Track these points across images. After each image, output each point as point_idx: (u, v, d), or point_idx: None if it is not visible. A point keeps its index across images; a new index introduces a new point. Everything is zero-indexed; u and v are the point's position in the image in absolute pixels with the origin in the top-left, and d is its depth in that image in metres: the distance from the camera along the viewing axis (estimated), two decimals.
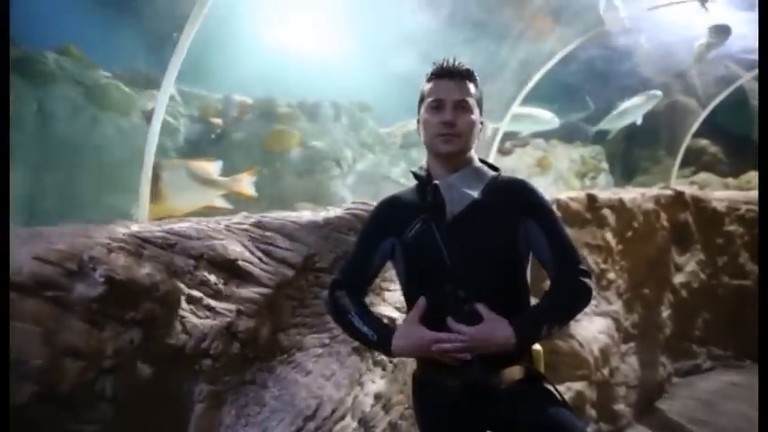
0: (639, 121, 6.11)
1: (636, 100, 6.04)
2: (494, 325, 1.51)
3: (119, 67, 4.45)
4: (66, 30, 4.20)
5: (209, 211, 2.67)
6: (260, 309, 2.10)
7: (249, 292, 2.08)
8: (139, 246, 1.70)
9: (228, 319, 1.96)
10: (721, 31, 4.93)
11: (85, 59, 4.17)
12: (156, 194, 2.35)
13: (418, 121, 1.76)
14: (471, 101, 1.66)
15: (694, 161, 7.70)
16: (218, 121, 5.22)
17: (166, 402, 1.75)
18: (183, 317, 1.80)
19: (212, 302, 1.92)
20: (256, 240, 2.19)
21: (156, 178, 2.37)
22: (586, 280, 1.67)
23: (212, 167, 2.90)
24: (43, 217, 3.46)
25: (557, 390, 1.70)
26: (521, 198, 1.68)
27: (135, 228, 1.75)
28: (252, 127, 5.17)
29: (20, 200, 3.42)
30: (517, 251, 1.66)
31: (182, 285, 1.81)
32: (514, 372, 1.65)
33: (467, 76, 1.68)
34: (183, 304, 1.81)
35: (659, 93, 5.91)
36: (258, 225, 2.25)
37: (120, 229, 1.69)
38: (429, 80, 1.70)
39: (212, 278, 1.93)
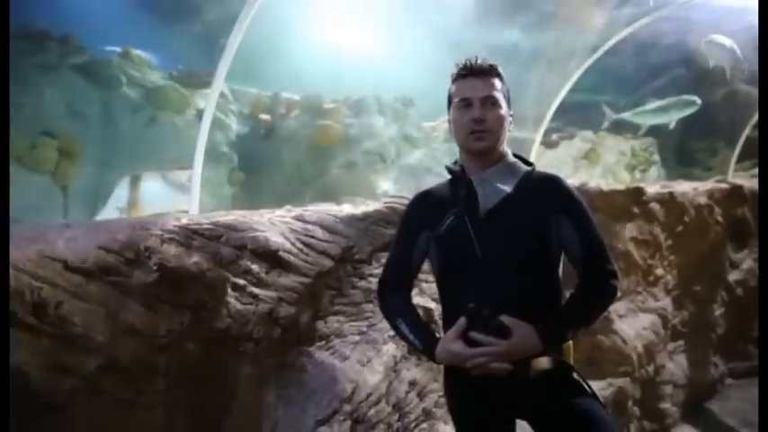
0: (672, 125, 5.90)
1: (671, 101, 5.83)
2: (522, 337, 1.53)
3: (175, 69, 4.72)
4: (128, 35, 4.49)
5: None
6: (300, 297, 2.23)
7: (290, 280, 2.21)
8: (189, 237, 1.85)
9: (270, 306, 2.09)
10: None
11: (145, 62, 4.46)
12: (133, 201, 2.59)
13: (449, 122, 1.80)
14: (498, 95, 1.66)
15: (756, 153, 7.29)
16: (267, 117, 5.43)
17: (213, 380, 1.91)
18: (228, 302, 1.95)
19: (255, 290, 2.06)
20: (297, 232, 2.31)
21: (135, 187, 2.60)
22: (613, 281, 1.68)
23: (186, 175, 3.07)
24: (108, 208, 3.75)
25: (585, 381, 1.72)
26: (554, 194, 1.69)
27: (185, 220, 1.90)
28: (299, 123, 5.35)
29: (87, 193, 3.72)
30: (549, 246, 1.67)
31: (227, 273, 1.96)
32: (542, 362, 1.66)
33: (491, 72, 1.68)
34: (229, 291, 1.96)
35: (698, 99, 5.67)
36: (299, 218, 2.38)
37: (173, 222, 1.86)
38: (454, 80, 1.72)
39: (255, 267, 2.07)
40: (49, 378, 1.36)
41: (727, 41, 5.62)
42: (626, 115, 6.21)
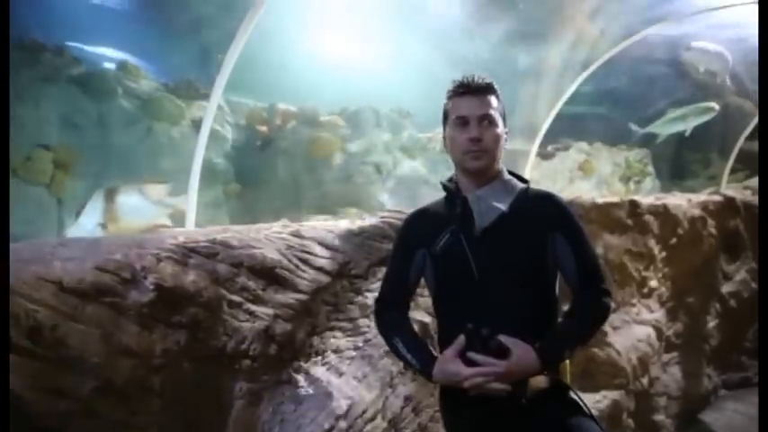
0: (689, 133, 5.97)
1: (689, 109, 5.90)
2: (520, 357, 1.54)
3: (170, 80, 4.72)
4: (124, 47, 4.49)
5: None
6: (297, 313, 2.23)
7: (287, 297, 2.21)
8: (186, 255, 1.85)
9: (267, 323, 2.09)
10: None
11: (141, 74, 4.46)
12: (111, 215, 2.59)
13: (444, 138, 1.81)
14: (495, 114, 1.68)
15: (749, 164, 7.36)
16: (263, 128, 5.42)
17: (209, 398, 1.90)
18: (224, 320, 1.95)
19: (252, 307, 2.06)
20: (294, 249, 2.31)
21: (111, 201, 2.60)
22: (606, 299, 1.69)
23: (163, 189, 3.11)
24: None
25: (582, 400, 1.73)
26: (550, 212, 1.71)
27: (182, 238, 1.90)
28: (295, 134, 5.35)
29: (83, 205, 3.71)
30: (545, 264, 1.69)
31: (224, 291, 1.96)
32: (540, 381, 1.67)
33: (488, 90, 1.69)
34: (225, 308, 1.96)
35: (715, 105, 5.73)
36: (296, 234, 2.38)
37: (169, 240, 1.85)
38: (451, 97, 1.72)
39: (252, 284, 2.07)
40: (44, 401, 1.36)
41: (713, 46, 5.70)
42: (649, 128, 6.33)
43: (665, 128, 6.19)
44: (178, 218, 3.11)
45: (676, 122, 6.00)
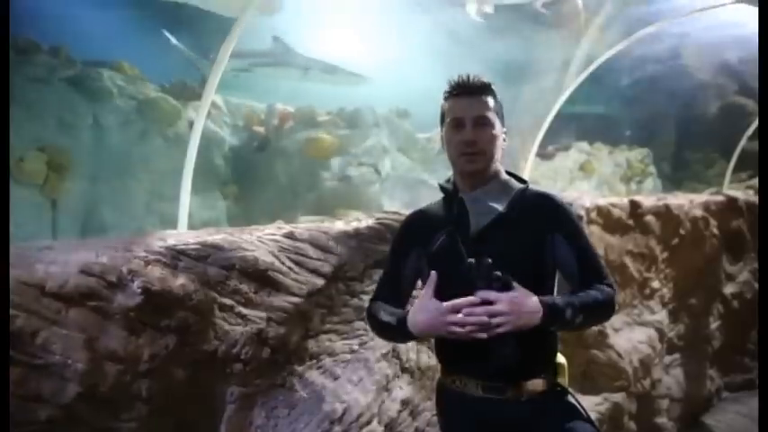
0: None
1: None
2: (524, 294, 1.47)
3: (167, 81, 4.69)
4: (120, 47, 4.46)
5: None
6: (290, 316, 2.19)
7: (280, 300, 2.17)
8: (175, 258, 1.82)
9: (259, 326, 2.06)
10: None
11: (137, 75, 4.43)
12: None
13: (442, 138, 1.78)
14: (491, 115, 1.65)
15: (752, 164, 7.31)
16: (260, 129, 5.40)
17: (200, 403, 1.87)
18: (215, 324, 1.91)
19: (243, 310, 2.03)
20: (287, 251, 2.28)
21: None
22: (611, 291, 1.65)
23: None
24: (99, 223, 3.70)
25: (580, 404, 1.70)
26: (549, 213, 1.68)
27: (171, 241, 1.87)
28: (293, 135, 5.33)
29: (78, 207, 3.68)
30: (544, 266, 1.66)
31: (214, 294, 1.92)
32: (537, 384, 1.65)
33: (483, 90, 1.66)
34: (216, 312, 1.92)
35: None
36: (289, 236, 2.34)
37: (158, 242, 1.82)
38: (446, 98, 1.70)
39: (244, 287, 2.03)
40: (23, 408, 1.32)
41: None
42: None
43: None
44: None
45: None
